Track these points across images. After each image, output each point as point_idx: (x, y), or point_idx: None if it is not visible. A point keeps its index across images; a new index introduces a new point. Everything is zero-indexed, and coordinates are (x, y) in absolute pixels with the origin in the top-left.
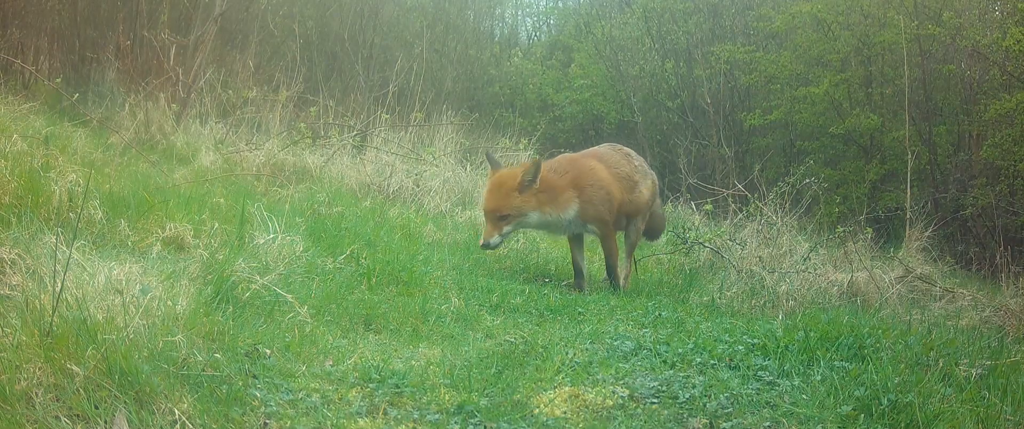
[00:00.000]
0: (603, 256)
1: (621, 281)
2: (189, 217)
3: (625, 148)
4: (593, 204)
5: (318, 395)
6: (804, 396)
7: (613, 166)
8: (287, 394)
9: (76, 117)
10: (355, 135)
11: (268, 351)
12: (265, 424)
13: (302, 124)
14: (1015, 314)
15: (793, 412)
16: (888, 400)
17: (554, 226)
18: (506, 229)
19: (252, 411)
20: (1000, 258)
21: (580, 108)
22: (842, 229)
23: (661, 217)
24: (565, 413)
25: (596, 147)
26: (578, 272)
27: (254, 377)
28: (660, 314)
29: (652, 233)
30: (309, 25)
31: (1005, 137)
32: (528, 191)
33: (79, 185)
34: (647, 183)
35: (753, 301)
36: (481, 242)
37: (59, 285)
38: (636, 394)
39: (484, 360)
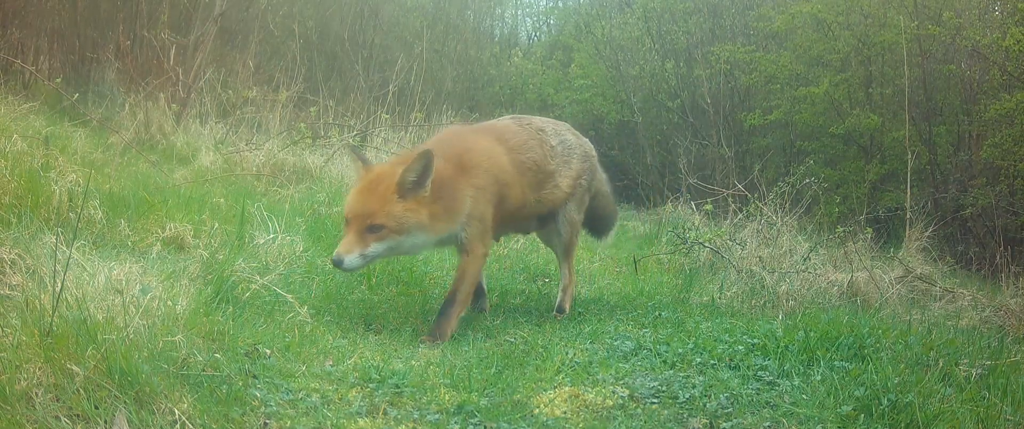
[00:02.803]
0: (460, 270)
1: (566, 302)
2: (189, 217)
3: (539, 120)
4: (482, 190)
5: (318, 395)
6: (804, 396)
7: (517, 150)
8: (287, 394)
9: (76, 117)
10: (355, 135)
11: (268, 351)
12: (265, 424)
13: (302, 124)
14: (1015, 314)
15: (793, 412)
16: (888, 400)
17: (450, 242)
18: (374, 247)
19: (252, 411)
20: (1000, 258)
21: (580, 108)
22: (842, 229)
23: (611, 206)
24: (565, 413)
25: (497, 120)
26: (480, 292)
27: (254, 377)
28: (660, 314)
29: (600, 227)
30: (309, 25)
31: (1005, 137)
32: (412, 197)
33: (79, 185)
34: (570, 169)
35: (753, 301)
36: (333, 256)
37: (59, 285)
38: (636, 394)
39: (484, 360)
